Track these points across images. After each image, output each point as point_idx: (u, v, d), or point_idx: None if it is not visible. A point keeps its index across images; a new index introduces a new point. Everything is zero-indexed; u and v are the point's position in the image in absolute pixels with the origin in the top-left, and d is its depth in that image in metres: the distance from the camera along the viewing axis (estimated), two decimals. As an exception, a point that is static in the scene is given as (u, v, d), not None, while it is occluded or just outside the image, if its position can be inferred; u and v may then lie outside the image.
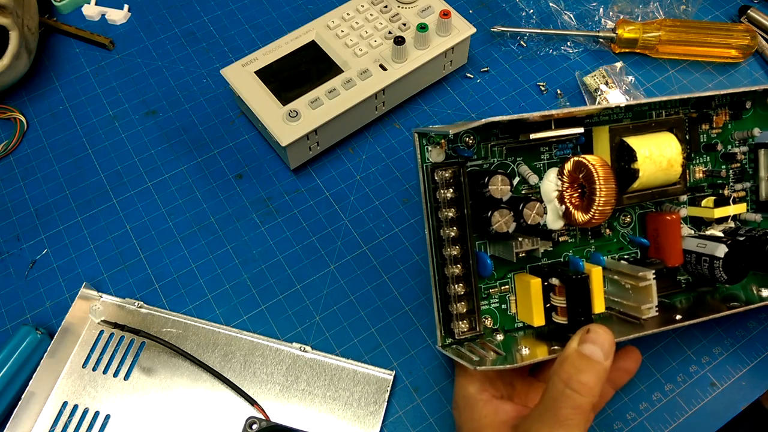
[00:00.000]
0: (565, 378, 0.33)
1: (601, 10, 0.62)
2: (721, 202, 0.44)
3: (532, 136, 0.39)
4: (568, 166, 0.39)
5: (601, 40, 0.60)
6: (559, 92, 0.58)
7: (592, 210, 0.38)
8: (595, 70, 0.57)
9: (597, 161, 0.38)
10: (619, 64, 0.58)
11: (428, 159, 0.39)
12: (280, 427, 0.42)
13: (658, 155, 0.39)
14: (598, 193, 0.37)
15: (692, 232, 0.44)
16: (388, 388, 0.44)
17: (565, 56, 0.60)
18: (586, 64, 0.59)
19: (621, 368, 0.41)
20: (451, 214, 0.38)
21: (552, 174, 0.41)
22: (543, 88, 0.58)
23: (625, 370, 0.41)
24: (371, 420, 0.43)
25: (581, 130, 0.40)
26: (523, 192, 0.41)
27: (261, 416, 0.43)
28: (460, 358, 0.36)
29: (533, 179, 0.40)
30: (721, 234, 0.43)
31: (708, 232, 0.44)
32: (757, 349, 0.46)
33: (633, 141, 0.40)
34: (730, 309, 0.40)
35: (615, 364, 0.41)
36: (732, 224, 0.44)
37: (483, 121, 0.35)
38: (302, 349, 0.45)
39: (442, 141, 0.38)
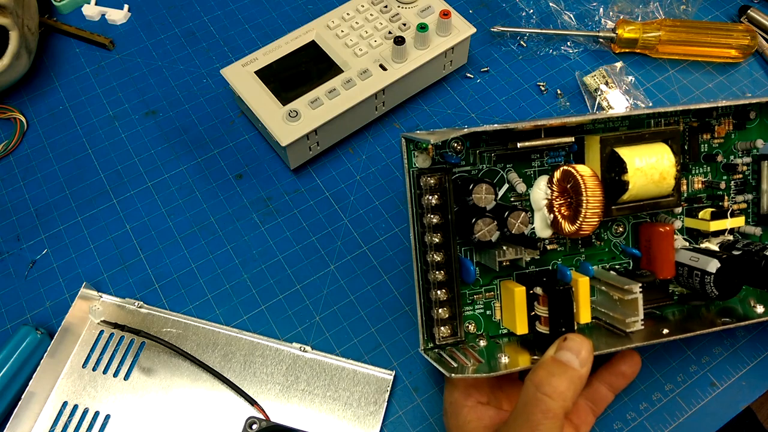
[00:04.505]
0: (537, 382, 0.33)
1: (601, 10, 0.62)
2: (719, 214, 0.42)
3: (520, 144, 0.38)
4: (557, 174, 0.39)
5: (601, 40, 0.60)
6: (559, 92, 0.58)
7: (578, 221, 0.37)
8: (595, 70, 0.57)
9: (586, 172, 0.37)
10: (619, 64, 0.58)
11: (415, 164, 0.38)
12: (280, 427, 0.42)
13: (650, 167, 0.38)
14: (584, 204, 0.37)
15: (687, 243, 0.43)
16: (388, 388, 0.44)
17: (565, 56, 0.60)
18: (586, 64, 0.59)
19: (619, 372, 0.41)
20: (435, 220, 0.37)
21: (542, 182, 0.40)
22: (543, 88, 0.58)
23: (623, 374, 0.41)
24: (371, 420, 0.43)
25: (572, 139, 0.39)
26: (511, 200, 0.40)
27: (261, 416, 0.43)
28: (440, 364, 0.36)
29: (521, 187, 0.40)
30: (716, 248, 0.42)
31: (704, 245, 0.43)
32: (757, 349, 0.46)
33: (624, 152, 0.38)
34: (723, 324, 0.39)
35: (614, 368, 0.41)
36: (730, 237, 0.43)
37: (467, 129, 0.34)
38: (302, 349, 0.45)
39: (429, 147, 0.38)
